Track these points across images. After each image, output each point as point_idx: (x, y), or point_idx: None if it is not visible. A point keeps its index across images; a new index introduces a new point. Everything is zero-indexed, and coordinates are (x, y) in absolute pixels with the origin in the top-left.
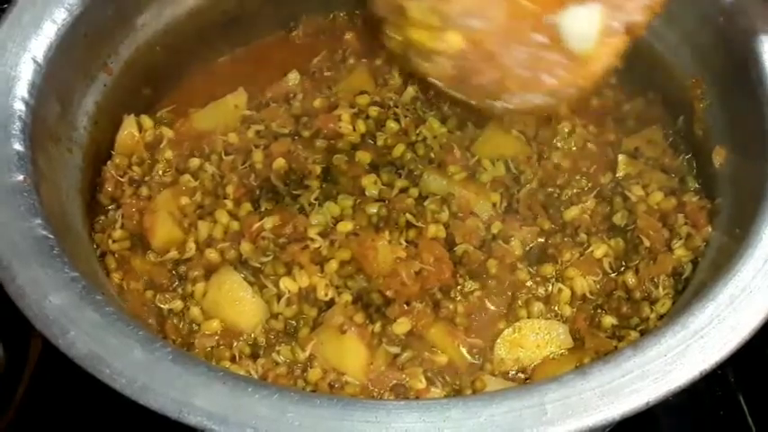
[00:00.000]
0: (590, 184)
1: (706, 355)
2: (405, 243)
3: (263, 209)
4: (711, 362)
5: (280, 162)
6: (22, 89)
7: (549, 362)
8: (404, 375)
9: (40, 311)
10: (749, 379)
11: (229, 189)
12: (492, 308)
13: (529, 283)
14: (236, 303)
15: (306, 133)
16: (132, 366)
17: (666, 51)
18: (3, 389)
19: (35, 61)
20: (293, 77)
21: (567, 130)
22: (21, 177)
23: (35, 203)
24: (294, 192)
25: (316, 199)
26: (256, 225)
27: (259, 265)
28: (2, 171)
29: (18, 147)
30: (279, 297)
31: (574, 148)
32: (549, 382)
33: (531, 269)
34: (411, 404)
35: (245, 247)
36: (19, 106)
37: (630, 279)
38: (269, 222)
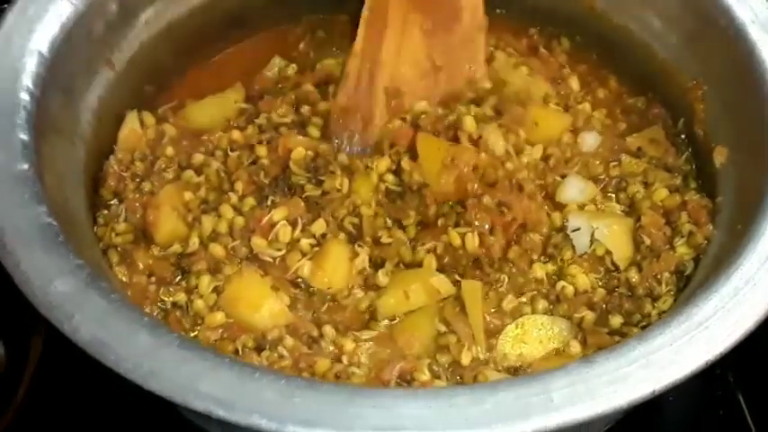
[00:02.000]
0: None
1: (710, 346)
2: None
3: (269, 202)
4: (716, 352)
5: (300, 152)
6: (27, 80)
7: (552, 358)
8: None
9: (44, 297)
10: (749, 379)
11: (238, 186)
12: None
13: (533, 279)
14: (256, 304)
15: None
16: (138, 352)
17: (667, 52)
18: (3, 389)
19: (40, 53)
20: (276, 63)
21: (569, 129)
22: (26, 166)
23: (39, 192)
24: (320, 177)
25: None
26: (266, 219)
27: (271, 260)
28: (7, 159)
29: (23, 136)
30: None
31: (575, 147)
32: (556, 370)
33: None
34: (417, 391)
35: (257, 241)
36: (24, 96)
37: (633, 276)
38: (277, 215)
